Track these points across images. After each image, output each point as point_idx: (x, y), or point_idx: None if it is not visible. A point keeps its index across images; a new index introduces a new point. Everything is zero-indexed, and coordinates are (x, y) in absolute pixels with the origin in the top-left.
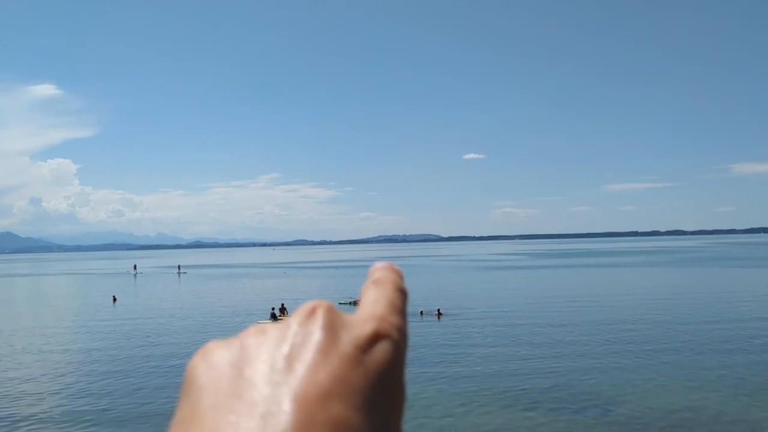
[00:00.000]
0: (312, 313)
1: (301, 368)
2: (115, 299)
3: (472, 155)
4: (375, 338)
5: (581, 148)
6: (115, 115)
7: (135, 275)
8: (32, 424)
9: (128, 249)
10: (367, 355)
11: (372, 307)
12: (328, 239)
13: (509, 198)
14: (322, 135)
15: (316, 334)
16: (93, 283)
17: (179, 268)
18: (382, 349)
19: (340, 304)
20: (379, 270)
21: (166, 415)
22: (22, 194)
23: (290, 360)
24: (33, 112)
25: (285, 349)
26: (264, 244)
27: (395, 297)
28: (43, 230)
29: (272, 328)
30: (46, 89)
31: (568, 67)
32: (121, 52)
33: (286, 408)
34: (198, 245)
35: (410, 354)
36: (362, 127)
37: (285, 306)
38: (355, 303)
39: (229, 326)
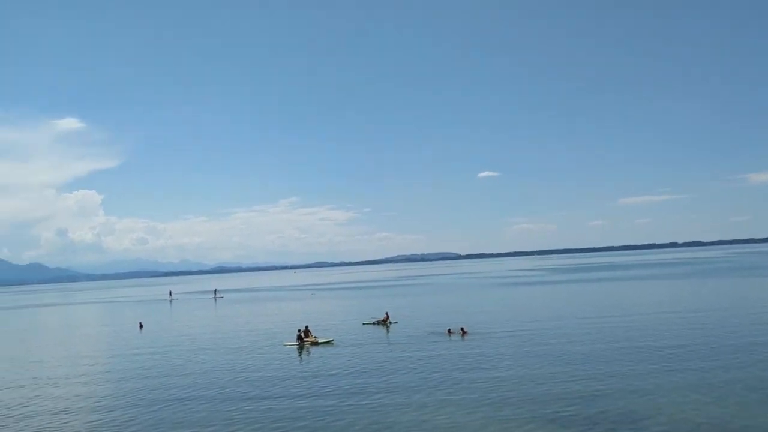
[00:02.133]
0: None
1: None
2: (141, 326)
3: (486, 173)
4: None
5: (595, 162)
6: (137, 145)
7: (171, 301)
8: None
9: (153, 276)
10: None
11: None
12: (347, 260)
13: (525, 214)
14: (338, 158)
15: None
16: (124, 311)
17: (215, 293)
18: None
19: (363, 324)
20: None
21: None
22: (49, 226)
23: None
24: (58, 145)
25: None
26: (285, 267)
27: None
28: (71, 260)
29: None
30: (69, 123)
31: (580, 82)
32: (142, 83)
33: None
34: (221, 270)
35: (441, 376)
36: (378, 149)
37: (309, 328)
38: (377, 323)
39: (259, 348)
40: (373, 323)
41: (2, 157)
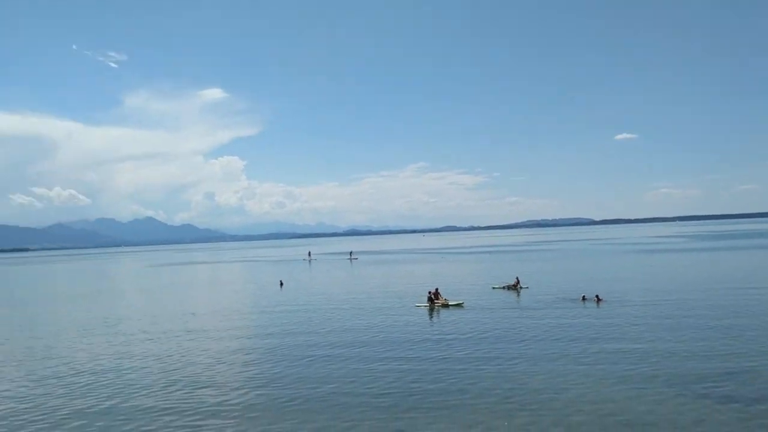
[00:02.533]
0: None
1: None
2: (282, 283)
3: (624, 135)
4: None
5: (748, 120)
6: (274, 115)
7: (310, 261)
8: (208, 407)
9: (291, 237)
10: None
11: None
12: (476, 225)
13: (666, 178)
14: (468, 122)
15: None
16: (266, 269)
17: (351, 255)
18: None
19: (493, 288)
20: None
21: (327, 401)
22: (198, 190)
23: None
24: (204, 114)
25: None
26: (414, 231)
27: None
28: (217, 222)
29: None
30: (214, 93)
31: (722, 38)
32: (279, 55)
33: None
34: (353, 233)
35: (580, 345)
36: (508, 112)
37: (439, 290)
38: (507, 287)
39: (392, 308)
40: (504, 288)
41: (158, 127)
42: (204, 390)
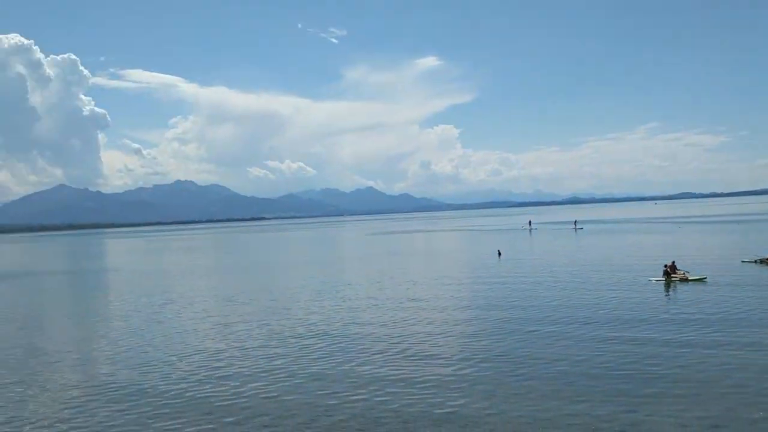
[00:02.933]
0: None
1: None
2: (500, 253)
3: None
4: None
5: None
6: (490, 80)
7: (530, 231)
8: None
9: (507, 206)
10: None
11: None
12: (718, 191)
13: None
14: (709, 74)
15: None
16: (483, 239)
17: (575, 224)
18: None
19: (743, 262)
20: None
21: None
22: (414, 159)
23: None
24: (419, 83)
25: None
26: (642, 198)
27: None
28: (433, 191)
29: None
30: (429, 61)
31: None
32: (494, 16)
33: None
34: (574, 201)
35: None
36: (760, 60)
37: (675, 263)
38: (761, 261)
39: (621, 283)
40: (756, 262)
41: (375, 99)
42: (429, 360)
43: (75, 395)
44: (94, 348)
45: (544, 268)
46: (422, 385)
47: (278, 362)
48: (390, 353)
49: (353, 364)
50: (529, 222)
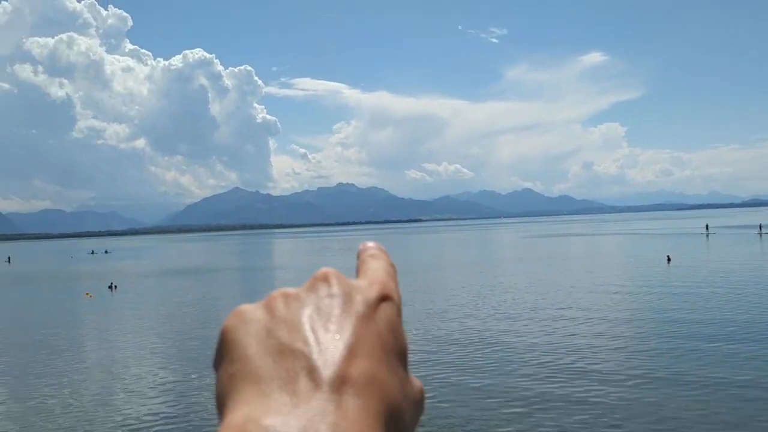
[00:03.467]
0: (325, 278)
1: (330, 327)
2: (669, 259)
3: None
4: (381, 299)
5: None
6: (660, 74)
7: (707, 236)
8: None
9: (678, 209)
10: (376, 314)
11: (374, 274)
12: None
13: None
14: None
15: (337, 297)
16: (651, 243)
17: (761, 228)
18: (387, 308)
19: None
20: (371, 248)
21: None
22: (575, 160)
23: (319, 320)
24: (582, 80)
25: (310, 310)
26: None
27: (390, 268)
28: (595, 192)
29: (294, 292)
30: (593, 57)
31: None
32: (660, 8)
33: (323, 364)
34: (756, 203)
35: None
36: None
37: None
38: None
39: None
40: None
41: (535, 98)
42: (590, 377)
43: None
44: None
45: (720, 277)
46: (582, 406)
47: (432, 369)
48: (548, 367)
49: (509, 376)
50: (706, 226)
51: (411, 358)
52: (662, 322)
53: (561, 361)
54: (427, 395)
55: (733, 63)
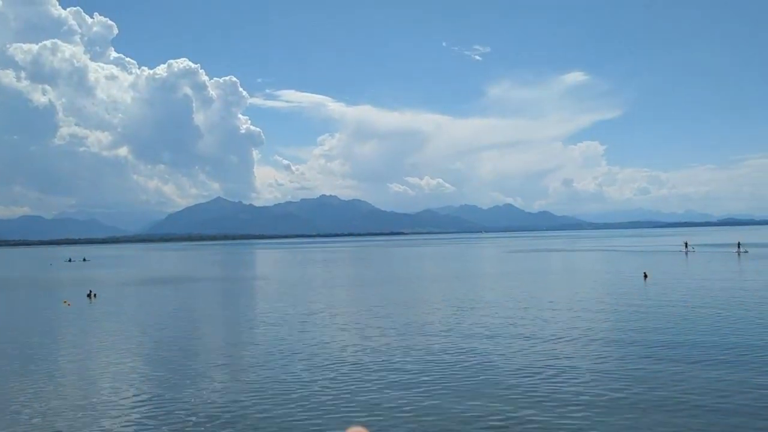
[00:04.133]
0: None
1: None
2: (646, 276)
3: None
4: None
5: None
6: (639, 95)
7: (686, 253)
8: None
9: (654, 226)
10: None
11: None
12: None
13: None
14: None
15: None
16: (628, 260)
17: (739, 246)
18: None
19: None
20: None
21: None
22: (555, 177)
23: None
24: (564, 99)
25: None
26: None
27: None
28: (575, 209)
29: None
30: (575, 77)
31: None
32: (640, 34)
33: None
34: (730, 222)
35: None
36: None
37: None
38: None
39: None
40: None
41: (518, 115)
42: (569, 400)
43: (223, 397)
44: (244, 353)
45: (697, 294)
46: (556, 426)
47: (414, 379)
48: (522, 387)
49: (484, 395)
50: (685, 243)
51: (392, 368)
52: (636, 340)
53: (534, 380)
54: (405, 402)
55: (710, 85)
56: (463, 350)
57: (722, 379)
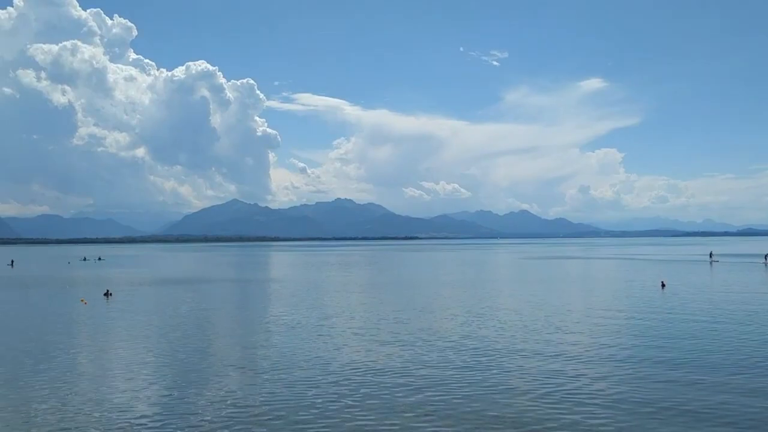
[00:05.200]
0: None
1: None
2: (663, 285)
3: None
4: None
5: None
6: (657, 102)
7: (711, 263)
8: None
9: (672, 235)
10: None
11: None
12: None
13: None
14: None
15: None
16: (645, 268)
17: (766, 258)
18: None
19: None
20: None
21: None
22: (572, 183)
23: None
24: (582, 106)
25: None
26: None
27: None
28: (591, 216)
29: None
30: (593, 83)
31: None
32: (659, 41)
33: None
34: (749, 232)
35: None
36: None
37: None
38: None
39: None
40: None
41: (535, 121)
42: (586, 402)
43: (238, 399)
44: (259, 355)
45: (717, 303)
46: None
47: (425, 389)
48: (536, 392)
49: (500, 398)
50: (710, 253)
51: (407, 373)
52: (653, 347)
53: (549, 385)
54: (422, 420)
55: (730, 94)
56: (480, 355)
57: (739, 388)
